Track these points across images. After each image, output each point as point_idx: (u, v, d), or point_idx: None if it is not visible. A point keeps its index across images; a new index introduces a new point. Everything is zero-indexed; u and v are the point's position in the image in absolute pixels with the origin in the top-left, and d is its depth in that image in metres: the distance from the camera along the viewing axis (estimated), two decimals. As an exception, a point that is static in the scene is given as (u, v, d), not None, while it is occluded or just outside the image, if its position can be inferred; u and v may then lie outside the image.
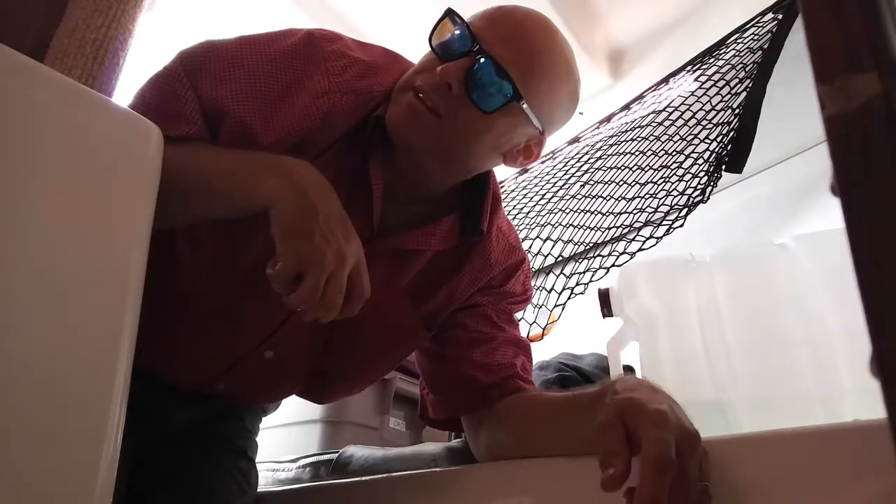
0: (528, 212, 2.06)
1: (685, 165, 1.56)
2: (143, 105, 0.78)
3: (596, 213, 1.77)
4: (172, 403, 0.95)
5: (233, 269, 0.84)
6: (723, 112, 1.54)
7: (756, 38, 1.59)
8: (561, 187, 1.99)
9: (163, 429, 0.96)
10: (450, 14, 0.80)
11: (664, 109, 1.75)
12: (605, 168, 1.88)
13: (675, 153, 1.62)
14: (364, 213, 0.84)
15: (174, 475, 0.94)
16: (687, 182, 1.52)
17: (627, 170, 1.76)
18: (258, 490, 1.10)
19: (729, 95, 1.55)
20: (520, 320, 1.50)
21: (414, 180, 0.86)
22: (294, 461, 1.31)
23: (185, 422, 0.99)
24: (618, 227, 1.69)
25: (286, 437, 1.58)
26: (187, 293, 0.87)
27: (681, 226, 1.48)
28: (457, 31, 0.79)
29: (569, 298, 1.65)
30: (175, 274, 0.85)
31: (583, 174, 1.94)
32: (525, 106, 0.79)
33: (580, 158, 2.00)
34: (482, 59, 0.77)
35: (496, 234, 0.96)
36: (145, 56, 1.32)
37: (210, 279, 0.86)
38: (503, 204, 2.14)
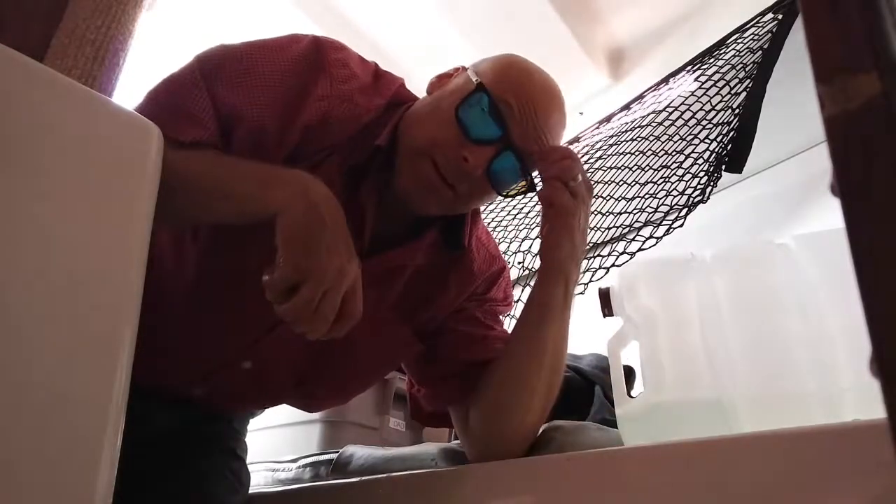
0: (528, 212, 2.06)
1: (685, 165, 1.56)
2: (157, 107, 0.78)
3: (596, 212, 1.77)
4: (159, 405, 0.95)
5: (217, 275, 0.84)
6: (723, 112, 1.53)
7: (756, 38, 1.59)
8: (561, 187, 1.99)
9: (151, 430, 0.95)
10: (482, 90, 0.81)
11: (664, 109, 1.75)
12: (604, 168, 1.88)
13: (675, 153, 1.62)
14: (353, 234, 0.85)
15: (165, 476, 0.94)
16: (687, 182, 1.52)
17: (627, 170, 1.76)
18: (258, 490, 1.10)
19: (729, 95, 1.55)
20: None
21: (405, 208, 0.87)
22: (294, 461, 1.31)
23: (173, 423, 0.98)
24: (618, 227, 1.69)
25: (286, 437, 1.58)
26: (166, 297, 0.86)
27: (681, 226, 1.48)
28: (488, 115, 0.80)
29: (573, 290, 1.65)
30: (154, 277, 0.85)
31: (583, 174, 1.94)
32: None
33: (580, 158, 2.00)
34: (508, 153, 0.81)
35: (476, 244, 0.97)
36: (145, 56, 1.32)
37: (191, 285, 0.86)
38: (503, 204, 2.15)
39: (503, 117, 0.80)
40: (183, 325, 0.88)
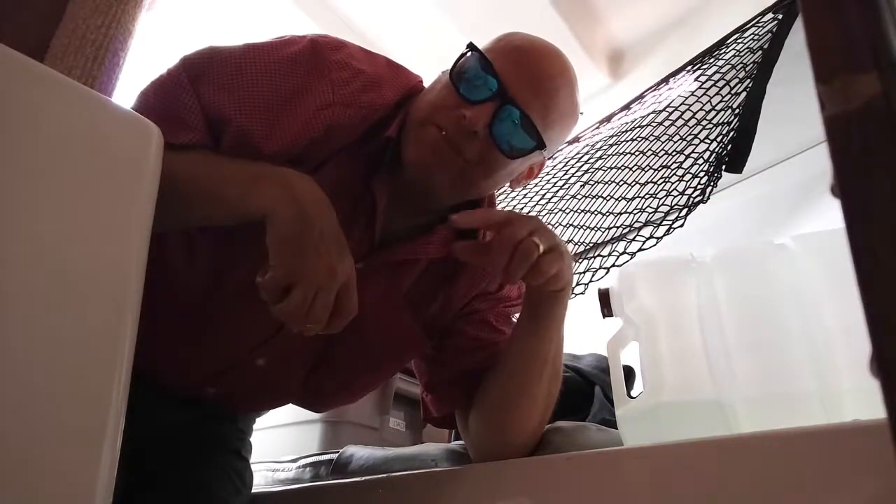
0: (529, 212, 2.06)
1: (685, 165, 1.56)
2: (145, 110, 0.77)
3: (596, 213, 1.77)
4: (164, 405, 0.95)
5: (229, 274, 0.84)
6: (723, 112, 1.53)
7: (756, 38, 1.59)
8: (561, 187, 1.99)
9: (156, 429, 0.95)
10: (473, 50, 0.81)
11: (664, 109, 1.75)
12: (605, 168, 1.87)
13: (675, 153, 1.61)
14: (365, 226, 0.85)
15: (168, 475, 0.94)
16: (687, 182, 1.52)
17: (627, 170, 1.76)
18: (258, 490, 1.10)
19: (729, 95, 1.54)
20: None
21: (418, 198, 0.87)
22: (294, 461, 1.31)
23: (178, 423, 0.98)
24: (618, 227, 1.69)
25: (286, 437, 1.58)
26: (180, 295, 0.86)
27: (681, 226, 1.48)
28: (481, 72, 0.79)
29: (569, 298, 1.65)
30: (167, 275, 0.85)
31: (583, 174, 1.94)
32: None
33: (580, 158, 2.00)
34: (508, 107, 0.78)
35: None
36: (145, 56, 1.32)
37: (205, 283, 0.86)
38: (503, 205, 2.15)
39: (496, 72, 0.78)
40: (197, 325, 0.88)
